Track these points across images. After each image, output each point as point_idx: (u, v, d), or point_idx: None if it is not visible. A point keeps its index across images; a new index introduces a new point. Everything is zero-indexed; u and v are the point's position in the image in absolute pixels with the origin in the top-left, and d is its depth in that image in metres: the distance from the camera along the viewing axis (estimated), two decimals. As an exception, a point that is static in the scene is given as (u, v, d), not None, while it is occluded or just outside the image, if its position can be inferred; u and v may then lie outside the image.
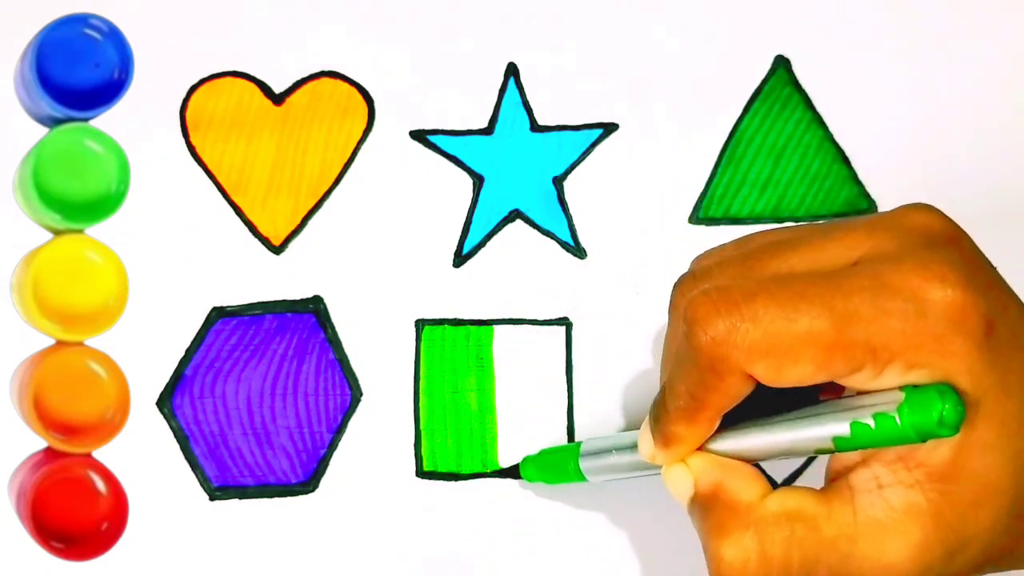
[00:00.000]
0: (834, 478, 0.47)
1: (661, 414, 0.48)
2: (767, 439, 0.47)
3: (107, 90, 0.57)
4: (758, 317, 0.44)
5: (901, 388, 0.44)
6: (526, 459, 0.59)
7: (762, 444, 0.47)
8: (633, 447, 0.52)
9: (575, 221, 0.61)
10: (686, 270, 0.50)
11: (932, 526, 0.45)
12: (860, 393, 0.45)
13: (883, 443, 0.44)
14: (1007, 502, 0.45)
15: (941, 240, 0.46)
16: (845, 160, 0.62)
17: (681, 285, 0.49)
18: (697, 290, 0.46)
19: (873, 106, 0.62)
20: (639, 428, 0.51)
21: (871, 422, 0.44)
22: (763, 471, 0.61)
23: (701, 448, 0.48)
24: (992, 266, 0.46)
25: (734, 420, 0.48)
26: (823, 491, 0.47)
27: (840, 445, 0.45)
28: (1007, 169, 0.62)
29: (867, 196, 0.62)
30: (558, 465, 0.57)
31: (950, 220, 0.47)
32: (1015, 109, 0.62)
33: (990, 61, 0.62)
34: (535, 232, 0.60)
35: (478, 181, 0.60)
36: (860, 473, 0.46)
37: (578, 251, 0.61)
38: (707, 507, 0.47)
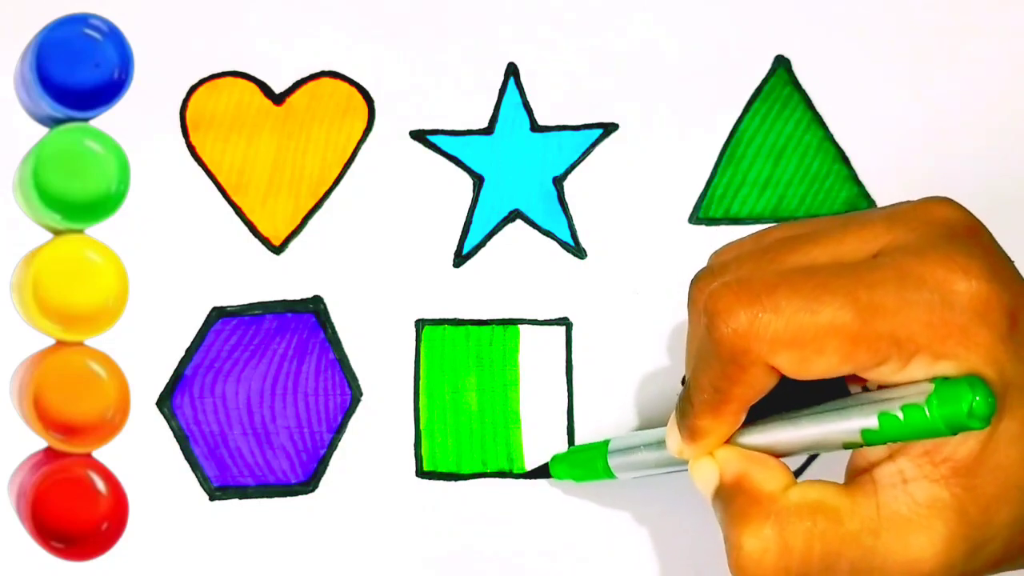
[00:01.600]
0: (857, 474, 0.47)
1: (687, 409, 0.48)
2: (794, 433, 0.46)
3: (107, 90, 0.57)
4: (780, 308, 0.44)
5: (930, 380, 0.44)
6: (555, 457, 0.59)
7: (789, 438, 0.47)
8: (661, 443, 0.51)
9: (575, 221, 0.61)
10: (703, 265, 0.49)
11: (956, 521, 0.44)
12: (884, 387, 0.45)
13: (912, 436, 0.44)
14: None
15: (962, 232, 0.46)
16: (845, 160, 0.62)
17: (699, 280, 0.48)
18: (717, 283, 0.45)
19: (873, 106, 0.62)
20: (647, 427, 0.51)
21: (900, 414, 0.44)
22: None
23: (728, 442, 0.48)
24: (1010, 259, 0.46)
25: (761, 414, 0.47)
26: (846, 485, 0.46)
27: (868, 438, 0.44)
28: (1007, 169, 0.62)
29: (867, 196, 0.62)
30: (587, 463, 0.57)
31: (969, 212, 0.47)
32: (1015, 109, 0.62)
33: (990, 61, 0.62)
34: (535, 232, 0.60)
35: (478, 181, 0.60)
36: (884, 467, 0.45)
37: (578, 251, 0.61)
38: (730, 497, 0.47)
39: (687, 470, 0.49)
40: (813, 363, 0.44)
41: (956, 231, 0.46)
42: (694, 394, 0.47)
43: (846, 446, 0.45)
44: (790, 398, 0.47)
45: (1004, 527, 0.45)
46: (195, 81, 0.58)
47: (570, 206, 0.61)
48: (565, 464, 0.59)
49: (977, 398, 0.43)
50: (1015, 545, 0.46)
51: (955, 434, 0.44)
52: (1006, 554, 0.46)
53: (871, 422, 0.44)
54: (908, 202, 0.47)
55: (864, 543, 0.45)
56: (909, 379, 0.44)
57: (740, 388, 0.46)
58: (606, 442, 0.56)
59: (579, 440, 0.60)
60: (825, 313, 0.44)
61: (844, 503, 0.45)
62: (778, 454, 0.47)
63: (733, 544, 0.46)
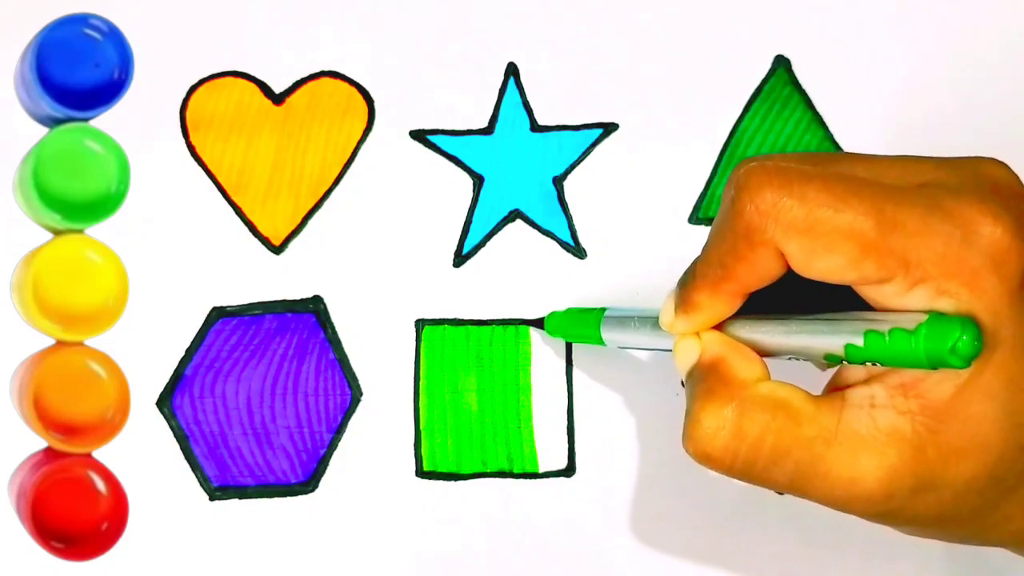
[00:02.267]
0: (831, 390, 0.47)
1: (688, 280, 0.48)
2: (781, 333, 0.47)
3: (107, 90, 0.57)
4: (806, 198, 0.44)
5: (925, 312, 0.44)
6: (552, 314, 0.59)
7: (775, 338, 0.47)
8: (654, 318, 0.51)
9: (575, 221, 0.61)
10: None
11: (910, 455, 0.45)
12: (882, 310, 0.45)
13: (893, 361, 0.44)
14: (991, 460, 0.45)
15: (1005, 191, 0.46)
16: (845, 160, 0.62)
17: (744, 163, 0.48)
18: (756, 161, 0.45)
19: (873, 106, 0.62)
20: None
21: (887, 336, 0.44)
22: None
23: (718, 328, 0.48)
24: None
25: (756, 310, 0.47)
26: (816, 396, 0.47)
27: (851, 354, 0.45)
28: (1007, 169, 0.62)
29: (867, 196, 0.62)
30: (581, 326, 0.57)
31: (1018, 179, 0.47)
32: (1015, 109, 0.62)
33: (990, 61, 0.62)
34: (535, 232, 0.60)
35: (478, 181, 0.60)
36: (858, 389, 0.46)
37: (578, 251, 0.61)
38: (703, 375, 0.47)
39: (671, 351, 0.49)
40: (820, 259, 0.44)
41: (999, 186, 0.46)
42: (699, 267, 0.47)
43: (828, 358, 0.46)
44: (789, 301, 0.47)
45: (959, 480, 0.45)
46: (195, 81, 0.58)
47: (570, 206, 0.61)
48: (561, 322, 0.58)
49: (964, 337, 0.43)
50: (966, 504, 0.46)
51: (934, 368, 0.44)
52: (954, 509, 0.46)
53: (857, 339, 0.44)
54: (963, 156, 0.47)
55: (815, 450, 0.45)
56: (906, 307, 0.44)
57: (744, 267, 0.46)
58: (603, 309, 0.56)
59: (579, 440, 0.60)
60: (847, 214, 0.44)
61: (808, 408, 0.46)
62: (762, 352, 0.48)
63: (692, 417, 0.46)
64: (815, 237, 0.44)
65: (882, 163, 0.47)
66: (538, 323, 0.60)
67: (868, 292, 0.45)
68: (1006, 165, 0.47)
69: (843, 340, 0.45)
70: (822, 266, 0.45)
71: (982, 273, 0.44)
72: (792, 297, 0.47)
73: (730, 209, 0.45)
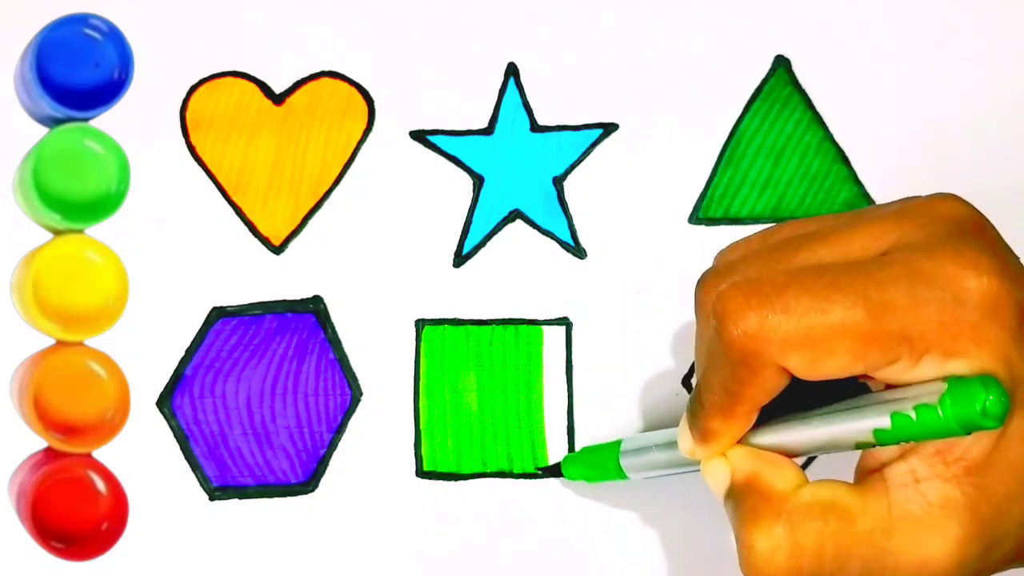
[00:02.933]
0: (868, 473, 0.46)
1: (698, 410, 0.47)
2: (806, 433, 0.46)
3: (107, 90, 0.57)
4: (790, 308, 0.43)
5: (942, 379, 0.44)
6: (567, 458, 0.59)
7: (801, 438, 0.46)
8: (673, 444, 0.51)
9: (575, 221, 0.61)
10: (708, 266, 0.49)
11: (969, 521, 0.44)
12: (894, 387, 0.45)
13: (925, 436, 0.43)
14: None
15: (970, 229, 0.45)
16: (845, 160, 0.62)
17: (705, 281, 0.48)
18: (726, 284, 0.45)
19: (873, 106, 0.62)
20: (649, 428, 0.51)
21: (913, 414, 0.43)
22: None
23: (740, 442, 0.48)
24: (1016, 255, 0.46)
25: (773, 413, 0.47)
26: (857, 484, 0.46)
27: (881, 438, 0.44)
28: (1007, 169, 0.62)
29: (867, 196, 0.62)
30: (599, 463, 0.57)
31: (975, 209, 0.46)
32: (1015, 109, 0.62)
33: (990, 61, 0.62)
34: (535, 232, 0.60)
35: (478, 181, 0.60)
36: (896, 467, 0.45)
37: (578, 251, 0.61)
38: (742, 496, 0.46)
39: (699, 470, 0.49)
40: (824, 363, 0.44)
41: (964, 227, 0.45)
42: (705, 396, 0.47)
43: (858, 446, 0.45)
44: (802, 397, 0.46)
45: (1017, 525, 0.45)
46: (195, 81, 0.58)
47: (570, 206, 0.61)
48: (577, 464, 0.59)
49: (991, 397, 0.42)
50: None
51: (968, 434, 0.43)
52: (1018, 552, 0.45)
53: (884, 422, 0.44)
54: (915, 198, 0.47)
55: (876, 543, 0.45)
56: (920, 378, 0.44)
57: (751, 390, 0.45)
58: (618, 443, 0.56)
59: (579, 440, 0.60)
60: (836, 313, 0.43)
61: (855, 502, 0.45)
62: (790, 454, 0.47)
63: (744, 543, 0.46)
64: (813, 345, 0.44)
65: (841, 234, 0.46)
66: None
67: (878, 374, 0.45)
68: (959, 198, 0.46)
69: (870, 426, 0.44)
70: (828, 369, 0.44)
71: (982, 325, 0.43)
72: (802, 394, 0.46)
73: (718, 339, 0.45)
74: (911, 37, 0.62)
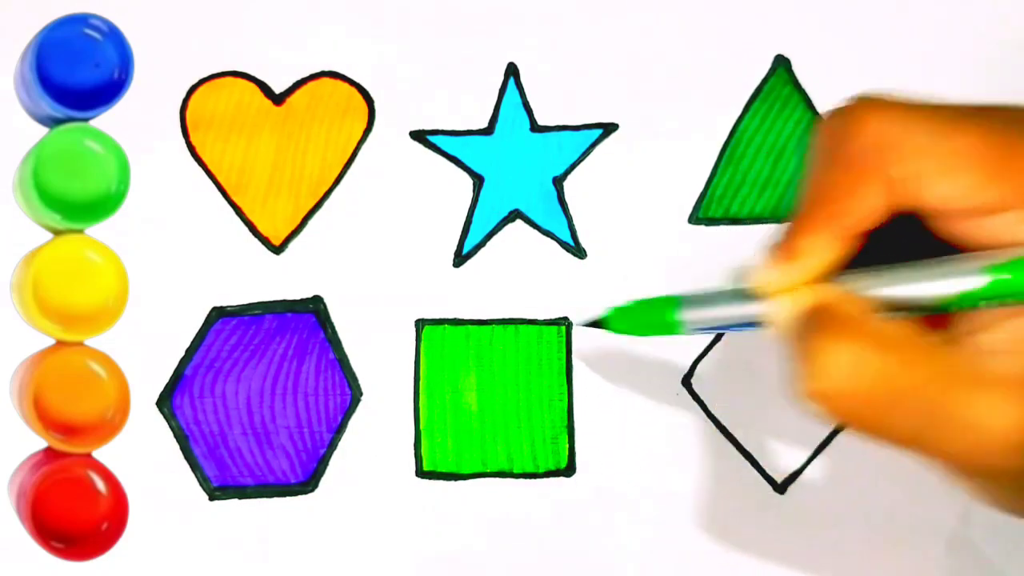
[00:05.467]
0: (955, 336, 0.44)
1: (789, 228, 0.44)
2: (892, 282, 0.43)
3: (107, 90, 0.57)
4: (921, 121, 0.42)
5: None
6: (616, 310, 0.55)
7: (885, 288, 0.44)
8: (740, 294, 0.47)
9: (575, 221, 0.61)
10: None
11: None
12: (991, 247, 0.42)
13: (1020, 298, 0.41)
14: None
15: None
16: (845, 160, 0.62)
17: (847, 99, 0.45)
18: (873, 92, 0.43)
19: (873, 106, 0.62)
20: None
21: (1010, 270, 0.41)
22: (764, 474, 0.61)
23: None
24: None
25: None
26: (938, 336, 0.43)
27: (971, 297, 0.42)
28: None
29: (867, 196, 0.62)
30: (652, 316, 0.54)
31: None
32: (1015, 109, 0.62)
33: (990, 61, 0.62)
34: (535, 232, 0.60)
35: (478, 181, 0.60)
36: (975, 336, 0.43)
37: (578, 251, 0.61)
38: (810, 318, 0.44)
39: (759, 326, 0.46)
40: (936, 184, 0.42)
41: None
42: (801, 207, 0.44)
43: (945, 304, 0.43)
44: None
45: None
46: (195, 81, 0.58)
47: (570, 206, 0.61)
48: (626, 318, 0.55)
49: None
50: None
51: None
52: None
53: (977, 280, 0.42)
54: None
55: (941, 391, 0.42)
56: (1020, 239, 0.42)
57: (853, 201, 0.43)
58: (675, 297, 0.53)
59: (579, 439, 0.60)
60: (963, 140, 0.42)
61: (929, 345, 0.43)
62: (876, 306, 0.44)
63: (805, 356, 0.43)
64: (935, 158, 0.42)
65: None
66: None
67: (972, 229, 0.43)
68: None
69: (961, 282, 0.42)
70: (939, 190, 0.42)
71: None
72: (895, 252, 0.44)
73: (835, 139, 0.43)
74: (911, 37, 0.62)
